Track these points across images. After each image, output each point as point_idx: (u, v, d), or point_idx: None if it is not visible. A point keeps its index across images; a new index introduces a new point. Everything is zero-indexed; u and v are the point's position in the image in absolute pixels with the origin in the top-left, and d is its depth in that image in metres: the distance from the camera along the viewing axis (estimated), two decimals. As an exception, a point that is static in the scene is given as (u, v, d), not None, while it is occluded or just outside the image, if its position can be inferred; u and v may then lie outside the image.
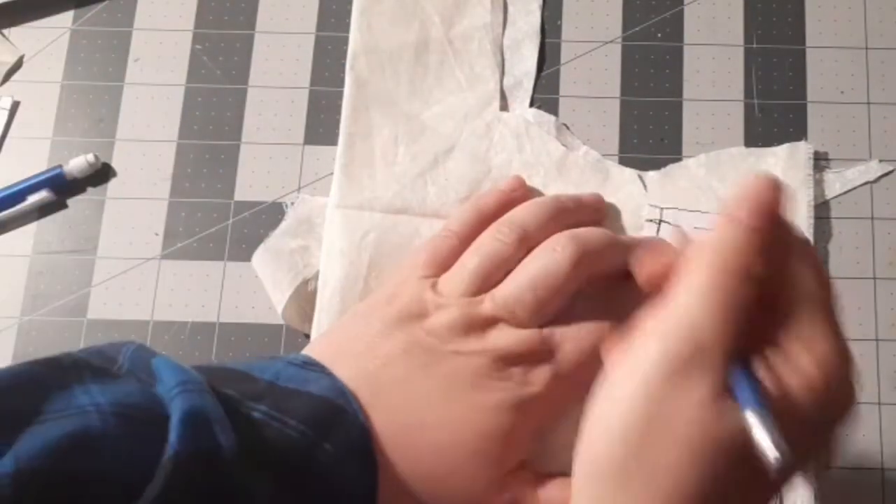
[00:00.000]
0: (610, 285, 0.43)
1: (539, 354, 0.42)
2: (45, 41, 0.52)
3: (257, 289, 0.48)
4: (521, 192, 0.47)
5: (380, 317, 0.42)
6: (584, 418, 0.34)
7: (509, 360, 0.41)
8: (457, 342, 0.41)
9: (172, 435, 0.35)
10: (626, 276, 0.41)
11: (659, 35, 0.51)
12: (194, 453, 0.35)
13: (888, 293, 0.47)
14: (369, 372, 0.40)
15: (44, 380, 0.36)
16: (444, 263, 0.44)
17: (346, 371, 0.40)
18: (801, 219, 0.46)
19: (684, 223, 0.47)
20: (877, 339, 0.46)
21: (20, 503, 0.32)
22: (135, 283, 0.48)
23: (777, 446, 0.30)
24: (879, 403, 0.45)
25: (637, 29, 0.51)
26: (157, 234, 0.49)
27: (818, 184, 0.48)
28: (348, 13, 0.52)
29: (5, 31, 0.52)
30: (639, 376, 0.33)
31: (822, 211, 0.47)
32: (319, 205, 0.49)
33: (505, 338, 0.41)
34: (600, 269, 0.43)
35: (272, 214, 0.49)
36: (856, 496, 0.44)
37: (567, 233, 0.44)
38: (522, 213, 0.45)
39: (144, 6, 0.53)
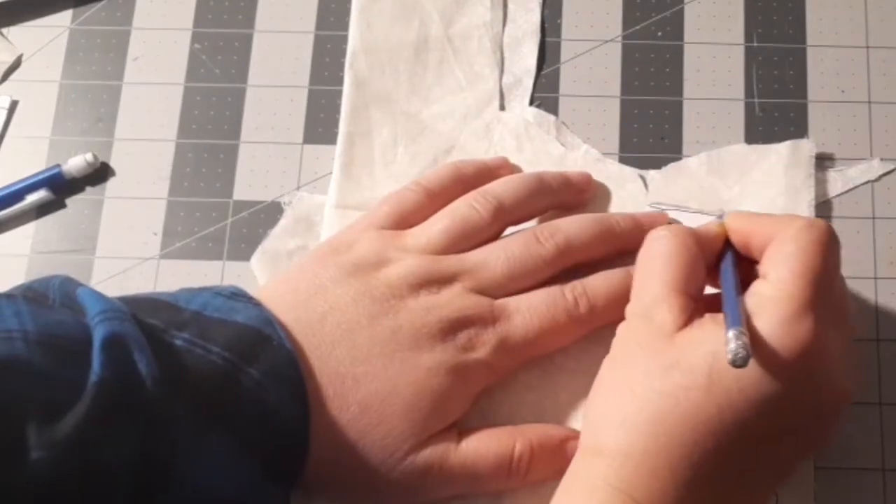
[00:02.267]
0: (577, 269, 0.44)
1: (488, 322, 0.41)
2: (43, 40, 0.52)
3: (256, 289, 0.48)
4: (506, 171, 0.47)
5: (336, 262, 0.42)
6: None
7: (456, 324, 0.41)
8: (408, 296, 0.41)
9: (95, 362, 0.35)
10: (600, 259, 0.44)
11: (659, 34, 0.51)
12: (116, 380, 0.35)
13: (889, 293, 0.46)
14: (315, 315, 0.40)
15: None
16: (407, 217, 0.44)
17: (294, 313, 0.40)
18: (801, 218, 0.46)
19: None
20: (878, 339, 0.46)
21: None
22: (133, 282, 0.48)
23: (743, 347, 0.34)
24: (880, 403, 0.45)
25: (637, 27, 0.51)
26: (155, 234, 0.49)
27: (819, 182, 0.47)
28: (347, 12, 0.51)
29: (4, 30, 0.52)
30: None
31: (823, 210, 0.47)
32: (318, 204, 0.48)
33: (458, 299, 0.41)
34: (579, 261, 0.44)
35: (271, 214, 0.49)
36: (856, 496, 0.44)
37: (554, 225, 0.44)
38: (502, 187, 0.45)
39: (143, 5, 0.52)
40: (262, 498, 0.38)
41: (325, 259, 0.42)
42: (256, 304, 0.40)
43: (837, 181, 0.48)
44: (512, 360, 0.42)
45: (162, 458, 0.36)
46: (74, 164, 0.49)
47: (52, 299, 0.38)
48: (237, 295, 0.41)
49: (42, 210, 0.50)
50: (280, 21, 0.52)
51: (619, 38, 0.51)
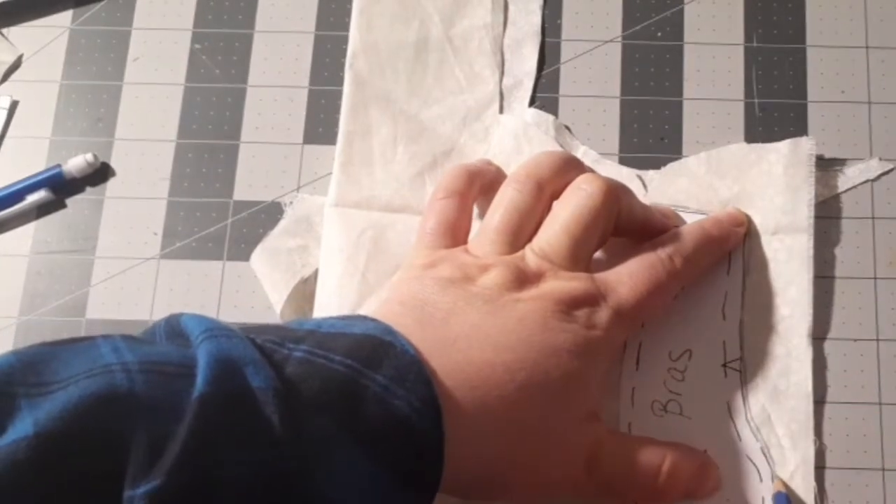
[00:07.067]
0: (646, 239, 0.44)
1: (597, 297, 0.41)
2: (44, 40, 0.52)
3: (256, 288, 0.48)
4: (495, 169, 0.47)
5: (430, 278, 0.41)
6: None
7: (572, 303, 0.41)
8: (515, 293, 0.41)
9: (199, 379, 0.34)
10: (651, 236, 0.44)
11: (659, 34, 0.51)
12: (222, 395, 0.34)
13: (889, 293, 0.46)
14: (435, 320, 0.39)
15: (69, 343, 0.35)
16: (455, 224, 0.44)
17: (410, 322, 0.39)
18: (801, 217, 0.46)
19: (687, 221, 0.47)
20: (877, 339, 0.46)
21: (42, 467, 0.31)
22: (133, 282, 0.48)
23: None
24: (880, 403, 0.45)
25: (637, 28, 0.51)
26: (155, 234, 0.49)
27: (819, 182, 0.47)
28: (348, 12, 0.52)
29: (4, 31, 0.52)
30: None
31: (822, 210, 0.47)
32: (318, 204, 0.49)
33: (560, 283, 0.41)
34: (629, 215, 0.43)
35: (271, 214, 0.49)
36: (856, 496, 0.44)
37: (590, 173, 0.44)
38: (533, 163, 0.45)
39: (143, 5, 0.53)
40: None
41: (416, 280, 0.41)
42: (372, 319, 0.39)
43: (837, 181, 0.48)
44: (626, 330, 0.43)
45: (291, 472, 0.34)
46: (75, 164, 0.49)
47: (157, 338, 0.37)
48: (349, 316, 0.40)
49: (42, 210, 0.50)
50: (280, 21, 0.52)
51: (619, 39, 0.51)
